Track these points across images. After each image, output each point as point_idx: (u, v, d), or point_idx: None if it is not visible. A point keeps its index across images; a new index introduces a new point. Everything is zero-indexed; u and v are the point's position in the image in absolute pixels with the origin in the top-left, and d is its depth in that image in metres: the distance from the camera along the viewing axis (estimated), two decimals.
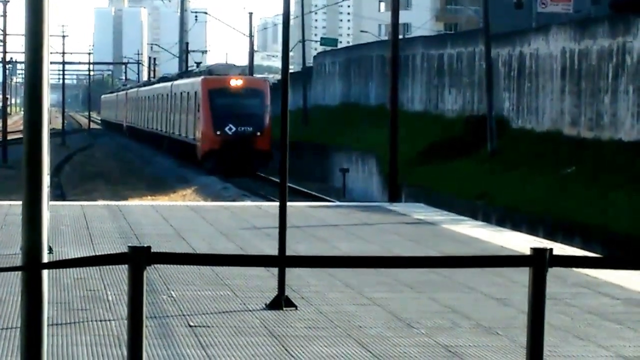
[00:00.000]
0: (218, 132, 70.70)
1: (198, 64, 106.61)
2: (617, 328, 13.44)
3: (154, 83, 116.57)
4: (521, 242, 20.77)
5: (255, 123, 71.50)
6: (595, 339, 12.68)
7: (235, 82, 74.12)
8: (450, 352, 11.88)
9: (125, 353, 7.91)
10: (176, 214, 26.15)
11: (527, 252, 7.91)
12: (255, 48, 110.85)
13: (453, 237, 22.47)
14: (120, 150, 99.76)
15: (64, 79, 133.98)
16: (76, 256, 10.40)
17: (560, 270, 8.16)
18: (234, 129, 70.49)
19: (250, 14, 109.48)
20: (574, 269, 15.77)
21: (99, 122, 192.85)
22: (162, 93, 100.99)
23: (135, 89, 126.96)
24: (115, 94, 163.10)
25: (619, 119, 54.26)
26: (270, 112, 73.56)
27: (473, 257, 9.71)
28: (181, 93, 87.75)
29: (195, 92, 76.61)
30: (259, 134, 70.75)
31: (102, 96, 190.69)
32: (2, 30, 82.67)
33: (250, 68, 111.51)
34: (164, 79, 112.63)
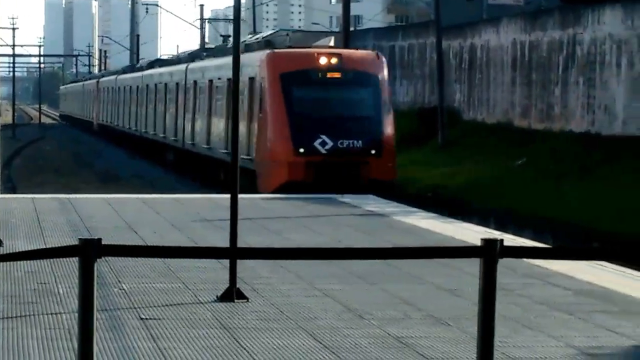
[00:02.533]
0: (301, 150, 35.98)
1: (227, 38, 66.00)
2: (567, 318, 13.49)
3: (143, 69, 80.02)
4: (472, 234, 20.84)
5: (367, 133, 36.71)
6: (546, 330, 12.72)
7: (330, 60, 38.04)
8: (402, 343, 11.89)
9: (76, 346, 7.88)
10: (127, 207, 26.09)
11: (478, 243, 7.93)
12: (207, 40, 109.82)
13: (404, 228, 22.50)
14: (70, 142, 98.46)
15: (14, 71, 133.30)
16: (27, 249, 10.37)
17: (511, 261, 8.20)
18: (330, 144, 35.90)
19: (201, 5, 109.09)
20: (525, 260, 15.82)
21: (55, 116, 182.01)
22: (166, 82, 64.39)
23: (113, 77, 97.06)
24: (81, 83, 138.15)
25: (570, 111, 54.55)
26: (391, 111, 39.52)
27: (424, 248, 9.73)
28: (210, 82, 50.99)
29: (251, 80, 41.24)
30: (374, 152, 36.02)
31: (62, 87, 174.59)
32: None
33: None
34: (161, 61, 77.88)
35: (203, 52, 58.91)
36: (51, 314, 13.25)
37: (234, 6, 15.91)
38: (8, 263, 13.28)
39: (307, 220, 23.93)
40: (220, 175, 43.93)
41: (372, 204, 26.96)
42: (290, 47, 41.73)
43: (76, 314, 7.86)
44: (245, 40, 50.43)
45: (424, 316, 13.44)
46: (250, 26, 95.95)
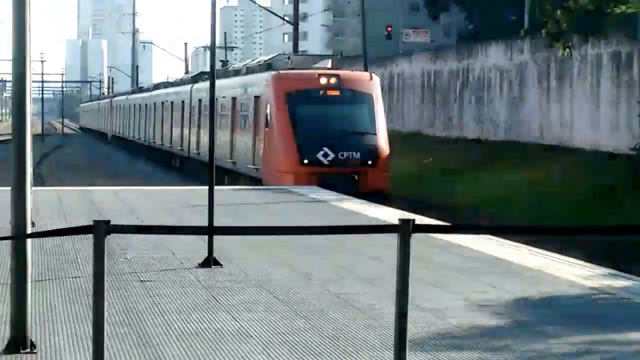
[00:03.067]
0: (306, 162, 32.78)
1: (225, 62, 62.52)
2: (463, 278, 13.56)
3: (150, 89, 75.38)
4: (392, 215, 20.85)
5: (364, 146, 33.55)
6: (447, 287, 12.79)
7: (329, 80, 34.60)
8: (339, 298, 11.91)
9: (91, 301, 7.84)
10: (130, 196, 26.00)
11: (396, 222, 7.95)
12: (190, 69, 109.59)
13: (340, 211, 22.51)
14: (87, 148, 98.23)
15: (42, 94, 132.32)
16: (53, 228, 10.34)
17: (421, 235, 8.19)
18: (331, 155, 32.73)
19: (185, 43, 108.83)
20: (431, 235, 15.84)
21: (75, 128, 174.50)
22: (172, 100, 59.40)
23: (124, 96, 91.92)
24: (97, 102, 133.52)
25: (464, 122, 55.06)
26: (385, 126, 36.00)
27: (355, 226, 9.75)
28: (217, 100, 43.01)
29: (256, 98, 37.39)
30: (370, 163, 33.00)
31: (82, 105, 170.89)
32: None
33: None
34: (167, 84, 71.47)
35: (204, 75, 53.45)
36: (72, 277, 13.20)
37: (210, 48, 15.85)
38: (39, 239, 13.18)
39: (267, 206, 23.90)
40: (225, 180, 38.40)
41: (316, 193, 26.91)
42: (292, 68, 37.50)
43: (91, 277, 7.82)
44: (246, 64, 47.56)
45: (356, 278, 13.47)
46: (224, 58, 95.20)
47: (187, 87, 52.20)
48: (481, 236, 17.39)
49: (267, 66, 39.77)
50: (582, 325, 10.78)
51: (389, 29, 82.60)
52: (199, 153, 46.40)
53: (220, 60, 60.44)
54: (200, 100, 48.27)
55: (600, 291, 12.95)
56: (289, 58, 40.04)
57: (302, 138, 32.76)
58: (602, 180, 34.73)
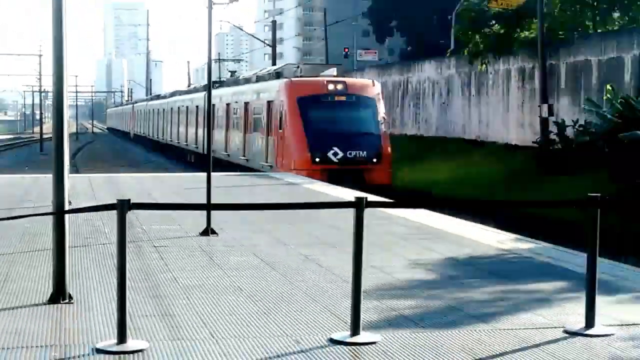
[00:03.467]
0: (317, 160, 30.04)
1: (232, 72, 57.81)
2: (405, 243, 13.58)
3: (167, 97, 70.35)
4: (350, 195, 20.84)
5: (370, 146, 30.76)
6: (392, 250, 12.80)
7: (337, 87, 31.71)
8: (308, 259, 11.91)
9: (115, 263, 7.80)
10: (146, 181, 25.92)
11: (353, 199, 7.95)
12: (192, 82, 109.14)
13: (310, 192, 22.46)
14: (112, 144, 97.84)
15: (76, 101, 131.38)
16: (85, 206, 10.33)
17: (372, 210, 8.19)
18: (340, 154, 29.96)
19: (188, 62, 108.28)
20: (380, 209, 15.87)
21: (103, 128, 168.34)
22: (187, 105, 55.02)
23: (144, 102, 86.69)
24: (121, 107, 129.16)
25: (405, 122, 55.04)
26: (387, 128, 34.13)
27: (321, 202, 9.75)
28: (228, 105, 42.33)
29: (269, 102, 33.71)
30: (375, 160, 30.34)
31: (108, 109, 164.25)
32: (39, 73, 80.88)
33: None
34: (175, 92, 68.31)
35: (215, 84, 48.58)
36: (100, 244, 13.13)
37: (207, 64, 15.78)
38: (74, 215, 13.11)
39: (253, 188, 23.85)
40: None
41: (291, 178, 26.88)
42: (301, 76, 33.91)
43: (115, 244, 7.78)
44: (256, 73, 42.96)
45: (321, 243, 13.46)
46: (217, 77, 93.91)
47: (201, 94, 47.33)
48: (418, 210, 17.47)
49: (277, 74, 36.66)
50: (496, 278, 10.84)
51: (346, 50, 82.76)
52: (213, 150, 42.10)
53: (229, 71, 56.34)
54: (213, 105, 42.54)
55: (509, 252, 13.04)
56: (298, 67, 36.79)
57: (313, 139, 29.87)
58: (511, 165, 34.92)
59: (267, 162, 32.43)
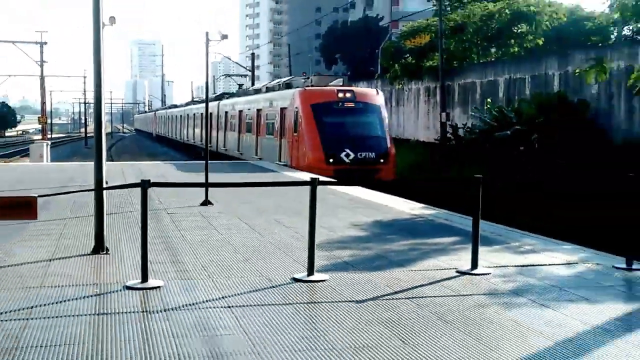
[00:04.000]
0: (331, 160, 24.29)
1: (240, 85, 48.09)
2: (346, 211, 13.58)
3: (183, 106, 64.20)
4: (309, 177, 20.81)
5: (378, 148, 25.09)
6: (336, 215, 12.80)
7: (346, 95, 26.33)
8: (278, 222, 11.89)
9: (139, 226, 7.73)
10: (163, 167, 25.67)
11: (309, 179, 7.94)
12: (194, 97, 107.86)
13: (282, 174, 22.34)
14: (135, 141, 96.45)
15: (111, 109, 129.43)
16: (117, 184, 10.22)
17: (323, 187, 8.19)
18: (352, 155, 24.40)
19: (192, 82, 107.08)
20: (328, 187, 15.86)
21: (131, 130, 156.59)
22: (202, 112, 46.47)
23: (164, 110, 79.23)
24: (145, 114, 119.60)
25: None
26: (390, 131, 27.95)
27: (287, 181, 9.73)
28: (240, 112, 36.01)
29: (282, 109, 28.24)
30: (382, 161, 24.76)
31: (135, 115, 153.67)
32: (84, 89, 79.32)
33: None
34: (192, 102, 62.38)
35: (225, 95, 43.90)
36: (128, 212, 12.99)
37: (205, 83, 15.60)
38: (110, 191, 12.96)
39: (239, 171, 23.70)
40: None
41: (267, 164, 26.71)
42: (312, 86, 28.24)
43: (139, 212, 7.71)
44: (266, 84, 36.82)
45: (288, 211, 13.42)
46: (215, 89, 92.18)
47: (215, 103, 41.28)
48: (355, 187, 17.47)
49: (287, 85, 30.86)
50: (410, 235, 10.90)
51: (304, 74, 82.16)
52: (226, 149, 37.50)
53: (238, 84, 49.60)
54: (226, 112, 38.61)
55: (419, 216, 13.11)
56: (308, 77, 30.69)
57: (327, 141, 24.78)
58: (420, 157, 35.02)
59: (280, 161, 27.50)
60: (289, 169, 24.41)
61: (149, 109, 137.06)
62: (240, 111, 35.45)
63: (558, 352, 5.62)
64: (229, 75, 63.64)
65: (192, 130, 53.15)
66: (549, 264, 8.81)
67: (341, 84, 28.67)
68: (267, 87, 34.52)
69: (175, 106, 74.72)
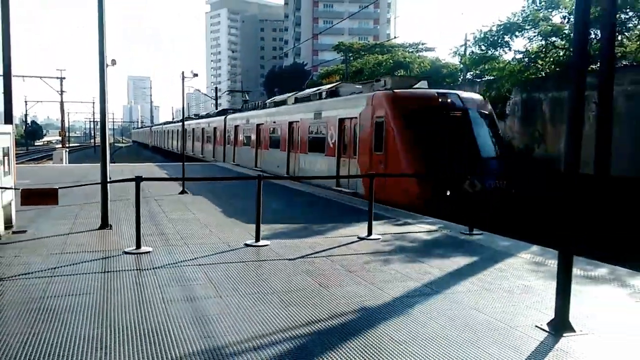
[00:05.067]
0: (448, 193, 8.53)
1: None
2: (282, 195, 13.34)
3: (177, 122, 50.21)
4: (255, 173, 20.42)
5: (504, 173, 9.16)
6: (277, 198, 12.59)
7: (451, 100, 9.42)
8: (233, 205, 11.72)
9: (134, 209, 7.52)
10: (152, 168, 24.88)
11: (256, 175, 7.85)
12: (173, 118, 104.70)
13: (240, 172, 21.90)
14: (135, 151, 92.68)
15: (114, 127, 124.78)
16: (118, 179, 9.94)
17: (266, 181, 8.12)
18: (477, 185, 6.73)
19: (172, 107, 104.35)
20: (270, 180, 15.65)
21: (129, 142, 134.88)
22: (203, 127, 32.75)
23: (160, 126, 63.09)
24: (141, 129, 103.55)
25: None
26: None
27: (242, 176, 9.57)
28: (259, 126, 20.45)
29: (345, 120, 12.06)
30: (514, 191, 8.91)
31: (133, 130, 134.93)
32: (93, 111, 75.98)
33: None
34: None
35: (229, 110, 31.97)
36: (126, 199, 12.52)
37: (182, 109, 15.16)
38: (113, 184, 12.54)
39: (211, 170, 23.08)
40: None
41: (228, 165, 26.00)
42: (391, 89, 13.05)
43: (134, 200, 7.51)
44: (294, 94, 20.84)
45: (240, 197, 13.11)
46: (200, 108, 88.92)
47: (220, 118, 28.57)
48: (287, 181, 17.25)
49: (332, 93, 16.49)
50: (327, 213, 10.85)
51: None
52: (237, 164, 24.60)
53: (243, 100, 35.81)
54: (236, 127, 25.50)
55: (332, 199, 13.00)
56: (378, 79, 15.41)
57: (436, 165, 11.53)
58: None
59: (339, 186, 14.53)
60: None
61: (142, 126, 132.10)
62: (259, 124, 21.75)
63: (425, 291, 5.81)
64: (233, 92, 56.61)
65: (192, 144, 37.43)
66: (418, 232, 9.05)
67: (426, 86, 15.22)
68: (296, 98, 19.79)
69: (168, 122, 60.92)
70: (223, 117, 28.72)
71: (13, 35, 10.38)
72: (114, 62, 9.58)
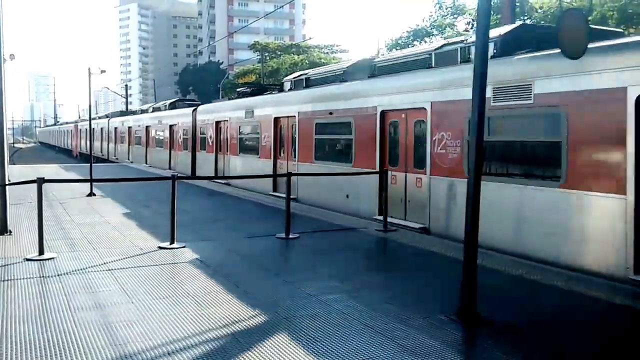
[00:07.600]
0: None
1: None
2: (199, 195, 13.07)
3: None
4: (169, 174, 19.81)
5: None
6: (190, 201, 12.36)
7: None
8: (147, 206, 11.30)
9: (36, 209, 7.04)
10: (58, 169, 23.37)
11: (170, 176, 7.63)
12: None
13: (154, 172, 21.08)
14: (40, 151, 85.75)
15: (13, 125, 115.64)
16: (18, 181, 9.23)
17: (180, 181, 7.85)
18: None
19: (78, 105, 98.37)
20: (184, 180, 15.20)
21: (31, 141, 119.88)
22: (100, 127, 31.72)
23: (71, 124, 50.63)
24: (48, 128, 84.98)
25: None
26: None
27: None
28: (278, 120, 11.67)
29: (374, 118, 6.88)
30: None
31: (38, 129, 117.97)
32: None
33: None
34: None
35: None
36: (28, 203, 11.65)
37: (88, 107, 14.44)
38: (12, 187, 11.68)
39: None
40: None
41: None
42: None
43: (36, 201, 7.02)
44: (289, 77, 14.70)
45: (156, 199, 12.75)
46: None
47: (107, 120, 26.39)
48: (212, 181, 16.88)
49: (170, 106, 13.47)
50: (247, 215, 10.76)
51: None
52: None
53: (237, 91, 30.67)
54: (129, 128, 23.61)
55: (245, 197, 12.98)
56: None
57: None
58: None
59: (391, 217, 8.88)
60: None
61: (44, 125, 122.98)
62: (277, 118, 13.32)
63: (343, 287, 5.88)
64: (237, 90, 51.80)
65: (88, 142, 31.42)
66: (336, 230, 9.15)
67: None
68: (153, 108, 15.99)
69: (76, 121, 49.62)
70: (108, 119, 29.52)
71: None
72: (12, 56, 8.89)
